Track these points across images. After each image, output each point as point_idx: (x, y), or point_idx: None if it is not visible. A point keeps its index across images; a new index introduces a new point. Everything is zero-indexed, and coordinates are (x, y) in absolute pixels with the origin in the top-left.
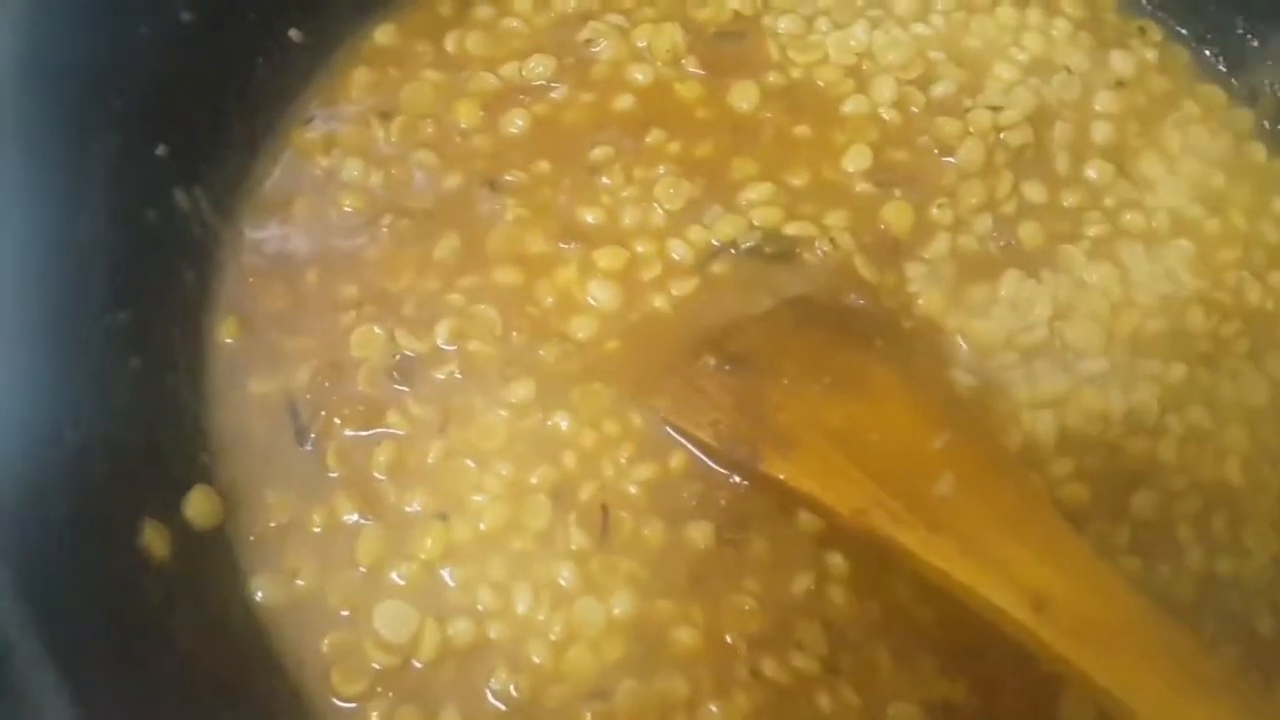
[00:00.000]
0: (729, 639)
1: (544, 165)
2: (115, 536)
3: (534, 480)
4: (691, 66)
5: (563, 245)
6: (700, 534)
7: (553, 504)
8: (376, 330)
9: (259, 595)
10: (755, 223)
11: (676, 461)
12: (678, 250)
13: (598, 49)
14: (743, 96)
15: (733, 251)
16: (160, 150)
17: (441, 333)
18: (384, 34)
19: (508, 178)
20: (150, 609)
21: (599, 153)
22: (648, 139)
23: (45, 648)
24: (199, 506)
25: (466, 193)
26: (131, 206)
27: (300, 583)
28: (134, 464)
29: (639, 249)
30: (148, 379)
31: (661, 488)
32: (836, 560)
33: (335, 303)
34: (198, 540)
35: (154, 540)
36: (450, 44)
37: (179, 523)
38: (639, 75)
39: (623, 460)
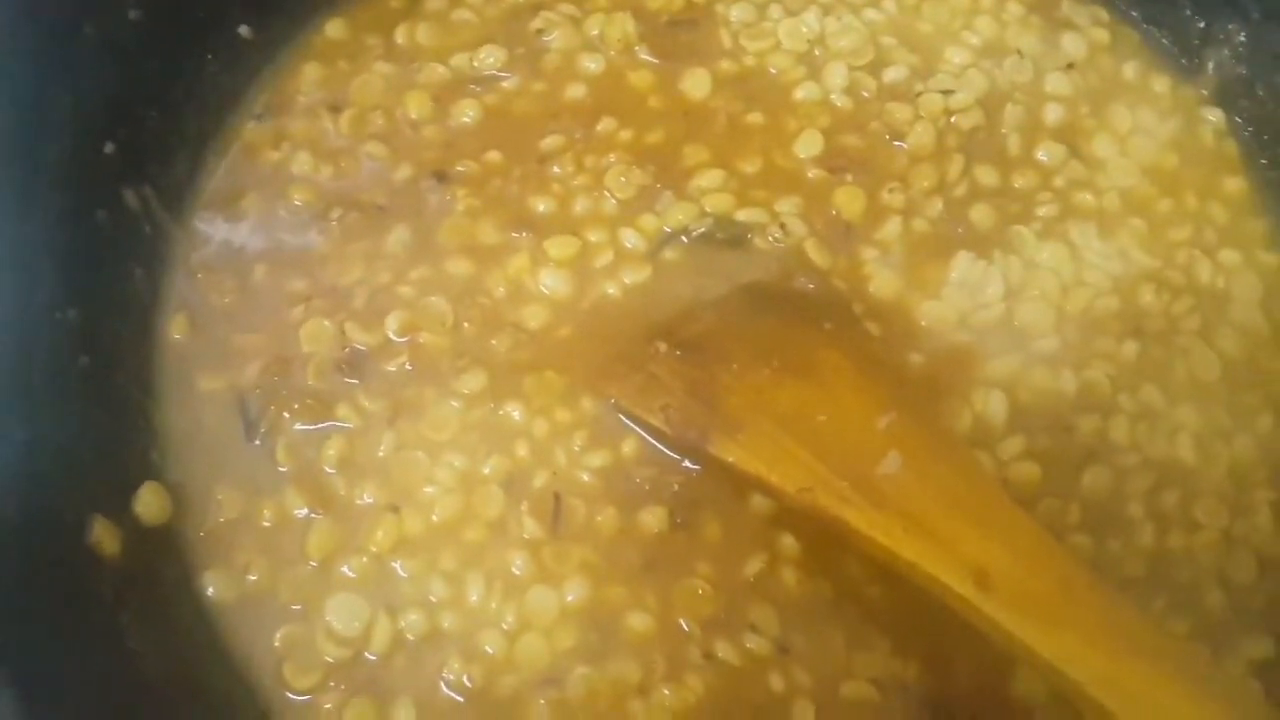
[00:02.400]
0: (682, 623)
1: (495, 155)
2: (65, 534)
3: (486, 470)
4: (644, 55)
5: (514, 235)
6: (653, 519)
7: (505, 493)
8: (326, 324)
9: (210, 591)
10: (707, 209)
11: (629, 448)
12: (629, 238)
13: (549, 38)
14: (695, 84)
15: (684, 239)
16: (109, 149)
17: (392, 325)
18: (334, 28)
19: (458, 168)
20: (101, 606)
21: (550, 142)
22: (599, 127)
23: None
24: (149, 503)
25: (416, 184)
26: (81, 206)
27: (251, 577)
28: (84, 461)
29: (591, 237)
30: (97, 376)
31: (614, 474)
32: (788, 541)
33: (284, 297)
34: (148, 537)
35: (104, 537)
36: (401, 36)
37: (129, 519)
38: (591, 64)
39: (575, 448)
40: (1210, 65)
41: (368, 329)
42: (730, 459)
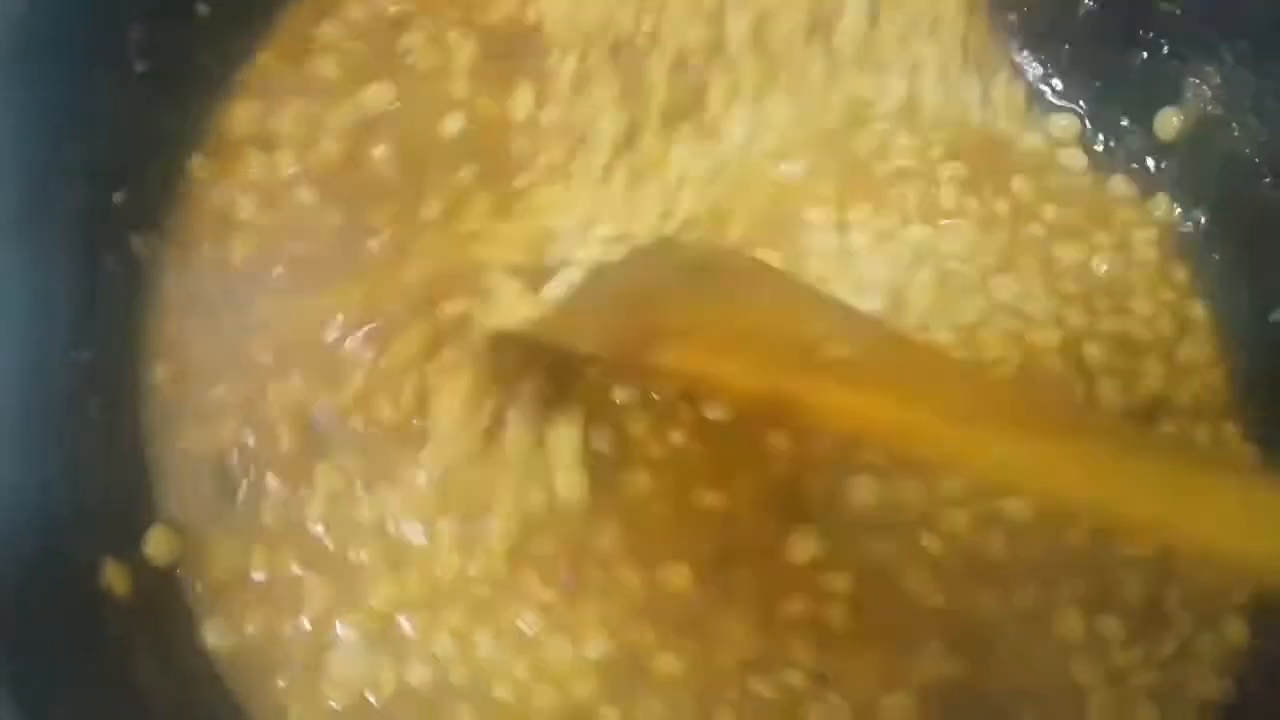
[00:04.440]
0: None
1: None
2: (78, 575)
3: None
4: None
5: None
6: (678, 576)
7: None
8: (294, 380)
9: (210, 639)
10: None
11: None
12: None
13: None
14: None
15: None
16: (118, 197)
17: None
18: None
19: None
20: (111, 646)
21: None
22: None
23: (6, 685)
24: (158, 544)
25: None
26: (91, 254)
27: (250, 629)
28: (96, 503)
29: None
30: (106, 420)
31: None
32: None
33: (251, 351)
34: (157, 577)
35: (115, 578)
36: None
37: (139, 560)
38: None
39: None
40: None
41: (334, 387)
42: (673, 363)
